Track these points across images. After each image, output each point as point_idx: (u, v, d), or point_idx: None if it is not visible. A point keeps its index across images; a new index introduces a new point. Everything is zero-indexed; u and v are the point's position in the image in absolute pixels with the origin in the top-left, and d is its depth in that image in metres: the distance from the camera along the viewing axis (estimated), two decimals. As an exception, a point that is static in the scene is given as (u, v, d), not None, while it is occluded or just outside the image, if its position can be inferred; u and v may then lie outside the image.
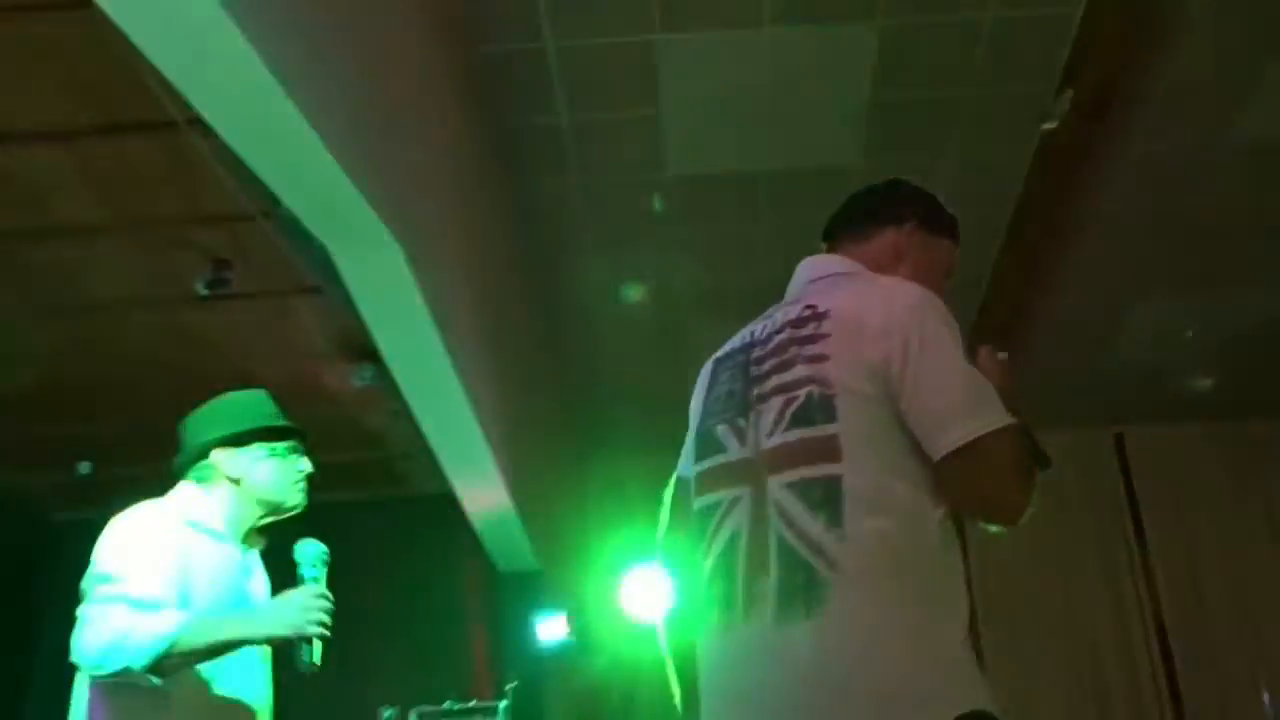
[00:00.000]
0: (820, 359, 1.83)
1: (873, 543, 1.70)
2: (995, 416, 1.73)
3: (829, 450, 1.75)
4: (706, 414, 2.04)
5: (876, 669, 1.64)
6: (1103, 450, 7.73)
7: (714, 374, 2.09)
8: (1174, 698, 7.16)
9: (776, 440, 1.83)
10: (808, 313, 1.93)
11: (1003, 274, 5.94)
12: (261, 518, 2.71)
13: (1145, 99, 4.76)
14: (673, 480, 2.17)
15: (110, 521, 2.40)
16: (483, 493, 6.13)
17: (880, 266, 2.07)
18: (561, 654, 6.95)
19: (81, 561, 2.42)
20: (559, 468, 7.73)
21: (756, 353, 1.97)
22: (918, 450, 1.76)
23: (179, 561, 2.35)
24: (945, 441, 1.72)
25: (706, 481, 1.97)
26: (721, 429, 1.96)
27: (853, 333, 1.83)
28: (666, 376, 6.91)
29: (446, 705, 6.25)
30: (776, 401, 1.86)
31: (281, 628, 2.33)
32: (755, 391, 1.92)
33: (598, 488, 7.88)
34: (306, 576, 2.49)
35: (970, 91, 4.87)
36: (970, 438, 1.70)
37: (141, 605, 2.18)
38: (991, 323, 6.09)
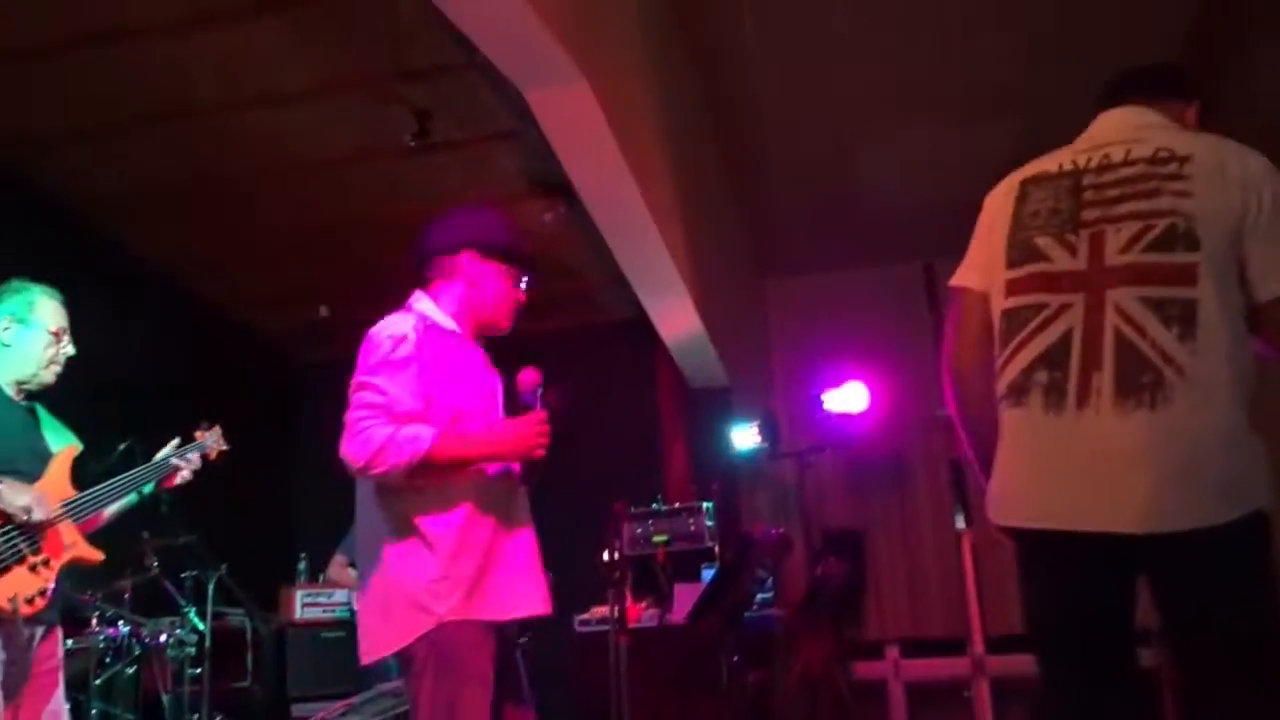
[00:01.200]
0: (1185, 195, 2.11)
1: (1218, 359, 2.01)
2: None
3: (1187, 275, 2.04)
4: (1020, 225, 2.27)
5: (1218, 458, 1.99)
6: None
7: (1023, 191, 2.31)
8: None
9: (1131, 258, 2.11)
10: (1165, 154, 2.19)
11: None
12: (475, 330, 2.75)
13: None
14: (956, 292, 2.40)
15: (368, 334, 2.58)
16: (674, 315, 6.54)
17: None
18: (754, 460, 7.43)
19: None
20: (741, 289, 8.06)
21: (1091, 180, 2.22)
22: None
23: (430, 367, 2.51)
24: (1269, 293, 2.06)
25: (1024, 285, 2.22)
26: (1044, 240, 2.22)
27: (1215, 178, 2.11)
28: (835, 199, 7.08)
29: (654, 507, 6.89)
30: (1133, 225, 2.13)
31: (514, 452, 2.53)
32: (1093, 213, 2.18)
33: (779, 307, 8.18)
34: (528, 404, 2.62)
35: None
36: None
37: (398, 417, 2.39)
38: None
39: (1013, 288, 2.24)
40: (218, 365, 7.30)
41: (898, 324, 7.59)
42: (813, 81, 5.87)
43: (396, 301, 2.84)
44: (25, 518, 2.53)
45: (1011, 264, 2.25)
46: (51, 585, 2.59)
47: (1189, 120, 2.42)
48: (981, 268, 2.35)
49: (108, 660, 4.43)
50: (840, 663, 6.53)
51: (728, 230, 7.42)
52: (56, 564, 2.62)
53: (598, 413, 7.54)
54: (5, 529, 2.52)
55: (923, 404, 7.37)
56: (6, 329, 2.73)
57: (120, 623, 4.39)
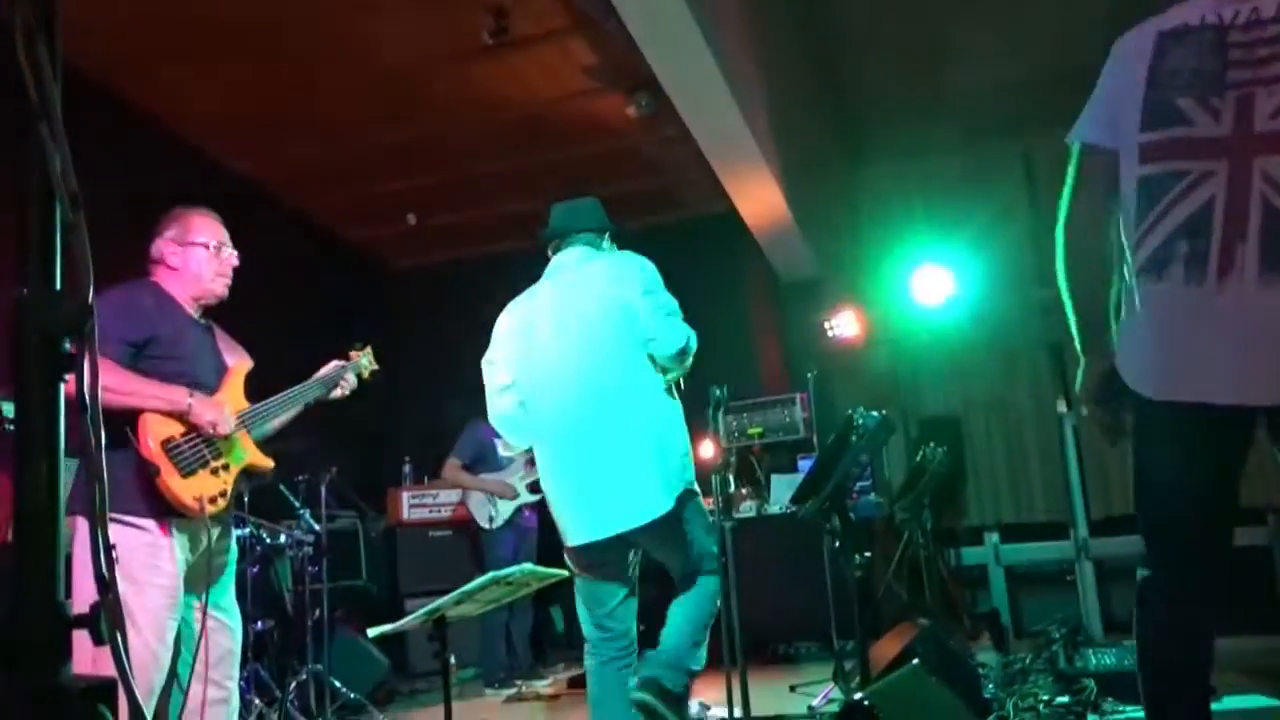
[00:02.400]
0: None
1: None
2: None
3: None
4: (1157, 84, 2.11)
5: None
6: None
7: (1160, 46, 2.13)
8: None
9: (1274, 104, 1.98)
10: None
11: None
12: None
13: None
14: (1076, 149, 2.26)
15: (644, 261, 3.25)
16: (763, 207, 6.44)
17: None
18: (849, 349, 7.35)
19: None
20: (831, 177, 7.87)
21: (1238, 37, 2.06)
22: None
23: None
24: None
25: (1162, 152, 2.09)
26: (1184, 102, 2.07)
27: None
28: (925, 81, 6.81)
29: (749, 401, 6.91)
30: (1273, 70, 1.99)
31: None
32: (1241, 74, 2.04)
33: (868, 193, 7.98)
34: None
35: None
36: None
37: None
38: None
39: (1149, 153, 2.11)
40: (315, 276, 7.45)
41: (994, 208, 7.35)
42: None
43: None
44: (211, 430, 2.74)
45: (1147, 126, 2.11)
46: (230, 488, 2.82)
47: None
48: (1109, 124, 2.19)
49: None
50: (940, 549, 6.54)
51: (816, 117, 7.23)
52: (235, 469, 2.85)
53: (687, 310, 7.52)
54: (191, 437, 2.73)
55: (1021, 288, 7.18)
56: (173, 252, 2.92)
57: (243, 524, 4.59)
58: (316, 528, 4.93)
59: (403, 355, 8.66)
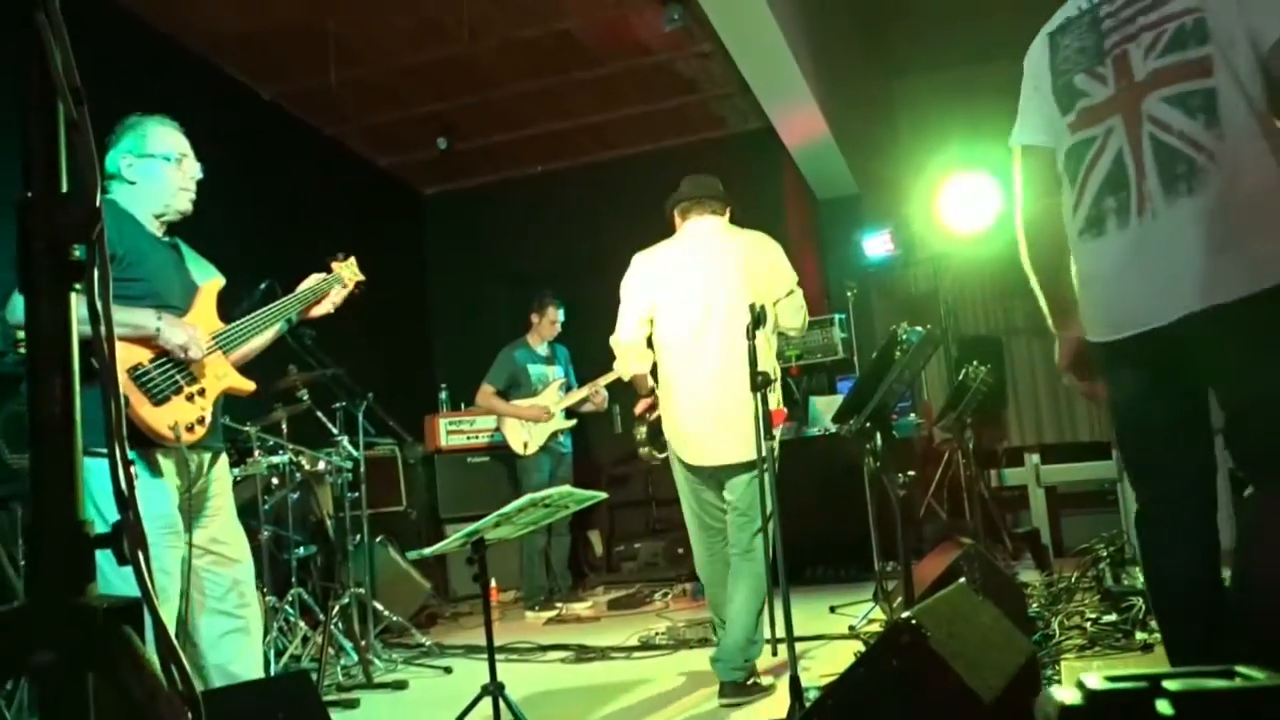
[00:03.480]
0: None
1: (1247, 138, 2.06)
2: None
3: (1203, 68, 2.10)
4: (1056, 74, 2.35)
5: (1259, 229, 2.03)
6: None
7: (1052, 43, 2.38)
8: None
9: (1151, 66, 2.17)
10: None
11: None
12: None
13: None
14: (1018, 152, 2.46)
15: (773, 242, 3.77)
16: (800, 122, 6.27)
17: None
18: (887, 267, 7.22)
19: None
20: (868, 91, 7.66)
21: (1107, 9, 2.27)
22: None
23: None
24: (1272, 34, 2.01)
25: (1075, 125, 2.31)
26: (1079, 79, 2.30)
27: None
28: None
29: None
30: (1146, 37, 2.18)
31: None
32: (1114, 38, 2.24)
33: (906, 107, 7.75)
34: None
35: None
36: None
37: None
38: None
39: (1071, 131, 2.32)
40: (346, 200, 7.39)
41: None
42: None
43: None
44: (182, 354, 2.60)
45: (1064, 110, 2.34)
46: (209, 414, 2.68)
47: None
48: (1040, 125, 2.41)
49: (274, 487, 4.68)
50: (982, 469, 6.47)
51: (850, 28, 7.00)
52: (211, 394, 2.71)
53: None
54: (161, 362, 2.60)
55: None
56: (130, 165, 2.72)
57: (281, 451, 4.60)
58: (355, 454, 4.93)
59: (436, 282, 8.67)
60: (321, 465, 4.82)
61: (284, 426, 4.65)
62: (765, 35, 5.04)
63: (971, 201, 6.60)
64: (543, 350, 6.34)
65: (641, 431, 4.29)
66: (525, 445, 6.07)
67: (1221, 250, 2.04)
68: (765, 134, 6.58)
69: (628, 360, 3.83)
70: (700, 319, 3.65)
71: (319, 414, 4.85)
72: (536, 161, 8.10)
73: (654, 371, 3.86)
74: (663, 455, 4.03)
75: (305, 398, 4.67)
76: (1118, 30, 2.24)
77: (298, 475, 4.72)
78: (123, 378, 2.47)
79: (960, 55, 7.29)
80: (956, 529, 5.52)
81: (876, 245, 6.99)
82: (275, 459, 4.56)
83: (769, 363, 3.60)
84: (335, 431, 4.92)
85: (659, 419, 3.90)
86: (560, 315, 6.34)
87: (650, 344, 3.83)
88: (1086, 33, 2.30)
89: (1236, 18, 2.06)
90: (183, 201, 2.77)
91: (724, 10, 4.90)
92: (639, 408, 4.11)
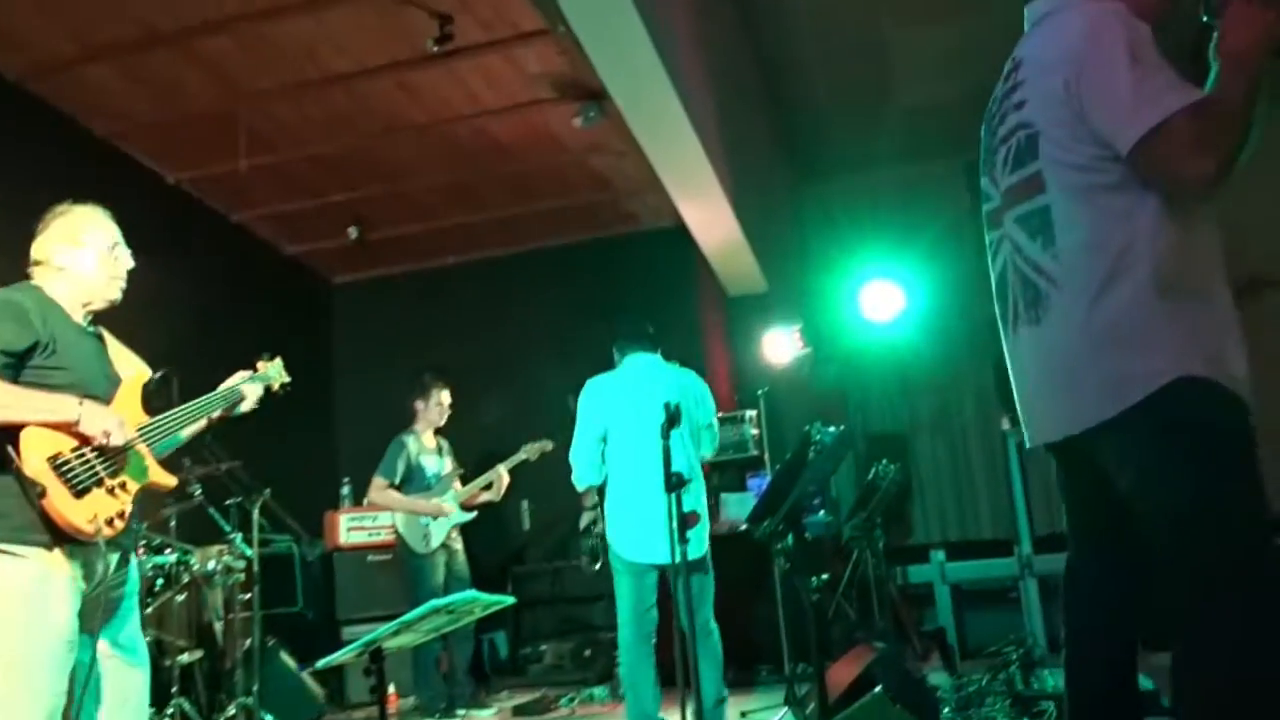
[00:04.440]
0: (1021, 105, 2.11)
1: (1083, 255, 1.99)
2: (1152, 113, 1.87)
3: (1037, 184, 2.06)
4: (980, 172, 2.33)
5: (1099, 355, 1.96)
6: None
7: (983, 130, 2.34)
8: None
9: (1005, 183, 2.16)
10: (1011, 65, 2.19)
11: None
12: None
13: None
14: None
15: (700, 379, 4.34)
16: (712, 221, 6.35)
17: None
18: (796, 364, 7.29)
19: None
20: (778, 191, 7.83)
21: (996, 107, 2.24)
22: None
23: None
24: (1122, 146, 1.93)
25: (985, 225, 2.32)
26: (984, 181, 2.29)
27: (1040, 71, 2.07)
28: (869, 95, 6.79)
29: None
30: (1003, 150, 2.17)
31: None
32: (995, 143, 2.22)
33: (814, 208, 7.95)
34: None
35: None
36: (1135, 139, 1.90)
37: None
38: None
39: (985, 226, 2.34)
40: (251, 287, 7.22)
41: (939, 221, 7.36)
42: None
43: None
44: (105, 441, 2.47)
45: (984, 203, 2.33)
46: (129, 508, 2.55)
47: None
48: None
49: (157, 588, 4.43)
50: (889, 567, 6.48)
51: (761, 132, 7.18)
52: (133, 488, 2.59)
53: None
54: (82, 451, 2.46)
55: (966, 303, 7.18)
56: (60, 253, 2.65)
57: (168, 551, 4.37)
58: (248, 552, 4.70)
59: (343, 372, 8.47)
60: (211, 565, 4.58)
61: (173, 524, 4.42)
62: (679, 135, 5.11)
63: (877, 300, 6.73)
64: (431, 443, 6.05)
65: (588, 544, 4.89)
66: (426, 542, 5.81)
67: (1067, 380, 2.03)
68: (678, 231, 6.65)
69: (585, 474, 4.30)
70: (646, 434, 3.97)
71: (211, 510, 4.63)
72: (448, 253, 8.03)
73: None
74: (598, 564, 4.45)
75: (198, 493, 4.46)
76: (996, 135, 2.23)
77: (185, 576, 4.47)
78: (42, 467, 2.35)
79: (866, 161, 7.54)
80: (865, 629, 5.49)
81: (786, 342, 7.06)
82: (160, 559, 4.32)
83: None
84: (228, 529, 4.69)
85: (602, 529, 4.38)
86: (447, 397, 6.02)
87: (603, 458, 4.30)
88: (987, 133, 2.28)
89: (1068, 132, 2.00)
90: (113, 291, 2.72)
91: (639, 110, 4.95)
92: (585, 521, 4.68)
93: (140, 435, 2.63)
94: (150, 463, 2.67)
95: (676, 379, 4.36)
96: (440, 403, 6.01)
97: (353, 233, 7.15)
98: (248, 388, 2.99)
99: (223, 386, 2.97)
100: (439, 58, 5.36)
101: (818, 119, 7.19)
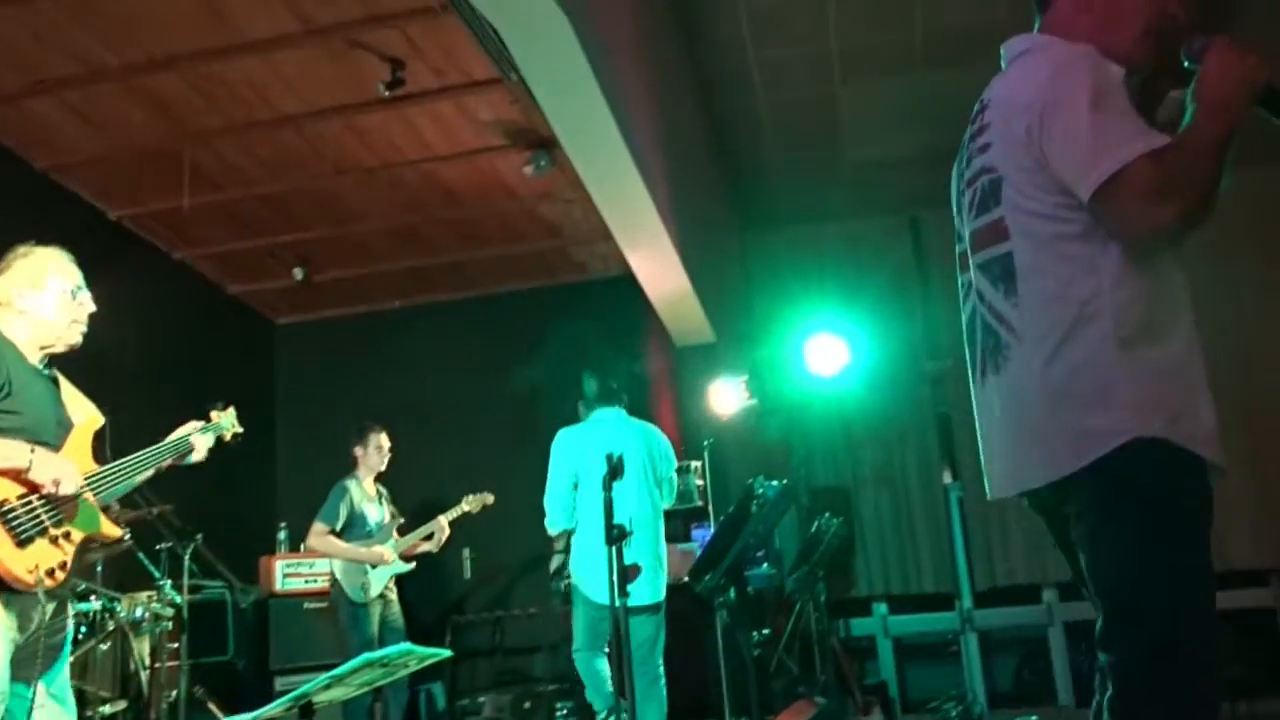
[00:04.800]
0: (986, 148, 2.04)
1: (1045, 305, 1.93)
2: (1111, 160, 1.82)
3: (1000, 231, 2.00)
4: (954, 211, 2.25)
5: (1060, 407, 1.89)
6: None
7: (954, 172, 2.24)
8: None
9: (970, 228, 2.10)
10: (979, 106, 2.12)
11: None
12: None
13: None
14: None
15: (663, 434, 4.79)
16: (660, 271, 6.36)
17: (1068, 28, 2.07)
18: (742, 416, 7.31)
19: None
20: (725, 245, 7.89)
21: (965, 152, 2.16)
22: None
23: None
24: (1083, 193, 1.86)
25: (958, 269, 2.22)
26: (958, 222, 2.20)
27: (1006, 115, 2.00)
28: (817, 148, 6.91)
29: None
30: (969, 194, 2.11)
31: None
32: (963, 186, 2.15)
33: (760, 260, 8.01)
34: None
35: None
36: (1094, 187, 1.83)
37: None
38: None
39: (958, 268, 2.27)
40: (191, 325, 7.10)
41: (884, 276, 7.47)
42: (792, 29, 5.66)
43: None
44: (53, 489, 2.42)
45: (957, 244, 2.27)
46: (71, 559, 2.50)
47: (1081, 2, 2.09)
48: None
49: (81, 636, 4.28)
50: (831, 620, 6.47)
51: (710, 182, 7.25)
52: (77, 538, 2.53)
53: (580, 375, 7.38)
54: (29, 499, 2.41)
55: (910, 359, 7.27)
56: (21, 296, 2.61)
57: (93, 597, 4.23)
58: (178, 600, 4.57)
59: (284, 413, 8.33)
60: (139, 612, 4.44)
61: (99, 569, 4.29)
62: (629, 186, 5.13)
63: (822, 352, 6.78)
64: (372, 490, 5.93)
65: (558, 585, 5.12)
66: (365, 591, 5.68)
67: (1030, 431, 1.96)
68: (626, 281, 6.67)
69: (557, 519, 4.62)
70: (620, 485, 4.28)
71: (140, 555, 4.50)
72: (394, 296, 7.98)
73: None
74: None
75: (127, 538, 4.32)
76: (964, 177, 2.16)
77: (110, 624, 4.33)
78: None
79: (812, 215, 7.65)
80: (807, 683, 5.46)
81: (732, 394, 7.08)
82: (85, 605, 4.18)
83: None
84: (158, 575, 4.56)
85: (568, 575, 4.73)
86: (386, 440, 5.92)
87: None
88: (957, 174, 2.21)
89: (1030, 179, 1.94)
90: (74, 335, 2.69)
91: (588, 160, 4.97)
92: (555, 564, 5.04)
93: (88, 484, 2.58)
94: (97, 513, 2.62)
95: (640, 433, 4.73)
96: (379, 446, 5.91)
97: (298, 274, 7.08)
98: (198, 438, 2.93)
99: (173, 436, 2.92)
100: (390, 102, 5.36)
101: (766, 171, 7.28)
